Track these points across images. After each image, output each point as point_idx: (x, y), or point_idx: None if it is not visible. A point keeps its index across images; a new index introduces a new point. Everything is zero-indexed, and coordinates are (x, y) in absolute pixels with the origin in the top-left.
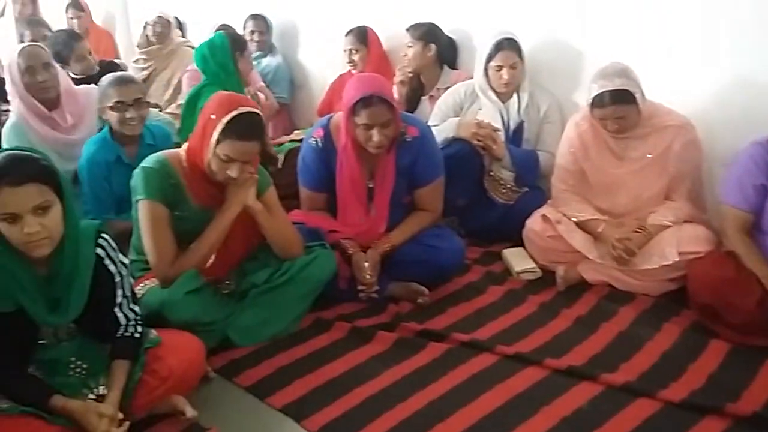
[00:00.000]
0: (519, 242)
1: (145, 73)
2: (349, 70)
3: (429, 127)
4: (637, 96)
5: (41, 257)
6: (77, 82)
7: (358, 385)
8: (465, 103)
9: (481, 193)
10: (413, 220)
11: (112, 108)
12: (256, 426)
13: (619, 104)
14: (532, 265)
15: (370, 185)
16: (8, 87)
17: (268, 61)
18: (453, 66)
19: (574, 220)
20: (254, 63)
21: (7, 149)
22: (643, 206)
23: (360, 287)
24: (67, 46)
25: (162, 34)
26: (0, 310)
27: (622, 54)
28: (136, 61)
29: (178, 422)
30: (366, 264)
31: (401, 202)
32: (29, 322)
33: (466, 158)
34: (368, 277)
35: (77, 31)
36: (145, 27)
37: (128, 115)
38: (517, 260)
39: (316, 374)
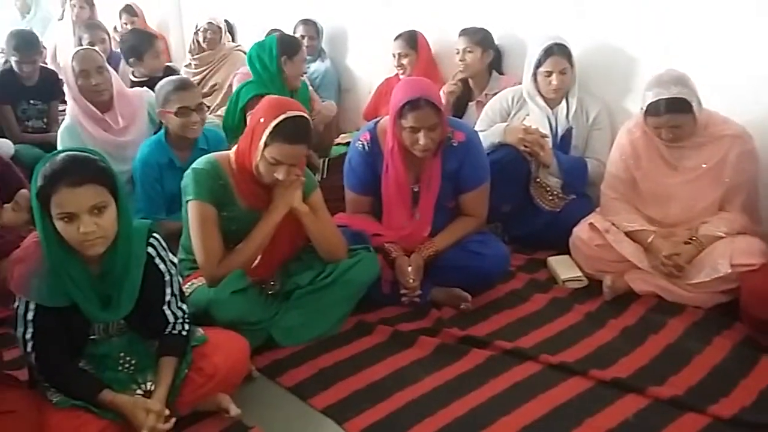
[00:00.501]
0: (565, 250)
1: (197, 78)
2: (396, 74)
3: (476, 132)
4: (694, 105)
5: (95, 255)
6: (140, 84)
7: (400, 389)
8: (512, 109)
9: (526, 200)
10: (457, 225)
11: (176, 113)
12: (299, 426)
13: (674, 113)
14: (579, 273)
15: (415, 189)
16: (65, 88)
17: (317, 66)
18: (500, 71)
19: (623, 229)
20: None
21: (66, 150)
22: (696, 217)
23: (403, 291)
24: (145, 41)
25: (213, 39)
26: (54, 305)
27: (677, 61)
28: (187, 66)
29: (221, 420)
30: (409, 268)
31: (446, 207)
32: (82, 317)
33: (512, 164)
34: (411, 281)
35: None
36: (196, 32)
37: (192, 119)
38: (563, 268)
39: (357, 377)
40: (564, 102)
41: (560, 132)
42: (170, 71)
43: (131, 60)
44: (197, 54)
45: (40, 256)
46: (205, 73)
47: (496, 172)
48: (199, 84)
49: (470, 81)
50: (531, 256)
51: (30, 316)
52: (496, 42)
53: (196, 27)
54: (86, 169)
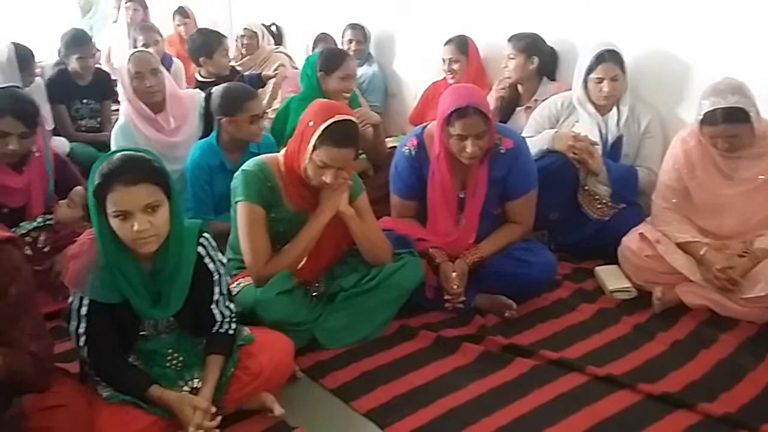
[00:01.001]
0: (613, 260)
1: None
2: (444, 78)
3: (524, 139)
4: (752, 114)
5: (147, 253)
6: (208, 84)
7: (442, 395)
8: (561, 115)
9: (574, 208)
10: (503, 232)
11: (250, 122)
12: (341, 429)
13: (731, 123)
14: (627, 284)
15: (461, 195)
16: (119, 89)
17: (364, 70)
18: (552, 77)
19: (675, 240)
20: None
21: (122, 150)
22: (751, 229)
23: (446, 297)
24: (215, 40)
25: (250, 45)
26: (107, 301)
27: (734, 68)
28: None
29: (265, 419)
30: (453, 274)
31: (492, 214)
32: (133, 314)
33: (560, 171)
34: (455, 287)
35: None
36: (237, 40)
37: (261, 126)
38: (611, 279)
39: (400, 381)
40: (615, 109)
41: (610, 140)
42: (234, 72)
43: (201, 59)
44: (240, 60)
45: (94, 253)
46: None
47: (544, 179)
48: None
49: (519, 86)
50: (578, 265)
51: (83, 311)
52: (551, 46)
53: (237, 36)
54: (141, 168)
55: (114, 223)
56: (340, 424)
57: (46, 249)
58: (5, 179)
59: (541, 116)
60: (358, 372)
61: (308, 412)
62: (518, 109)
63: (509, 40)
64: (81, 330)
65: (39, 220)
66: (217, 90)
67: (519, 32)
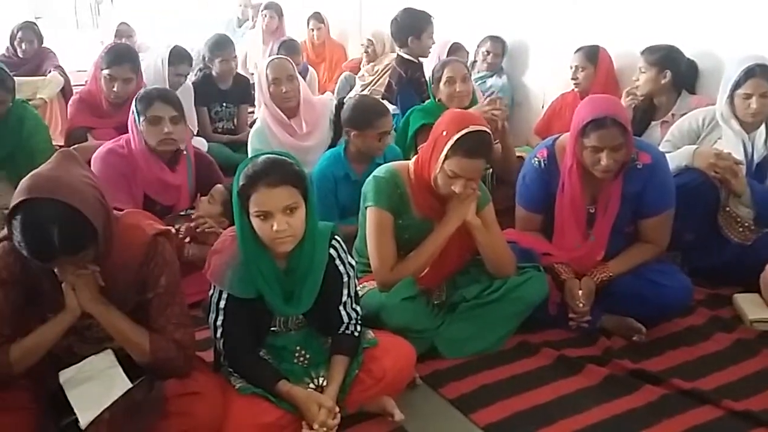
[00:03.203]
0: (753, 288)
1: (368, 90)
2: (572, 90)
3: (664, 155)
4: None
5: (283, 253)
6: (411, 64)
7: (565, 416)
8: (702, 131)
9: (712, 230)
10: (635, 252)
11: (378, 138)
12: None
13: None
14: None
15: (591, 210)
16: (257, 94)
17: (494, 81)
18: (692, 90)
19: None
20: (479, 82)
21: (266, 153)
22: None
23: (571, 315)
24: (426, 20)
25: (372, 53)
26: (244, 295)
27: None
28: (361, 77)
29: (385, 423)
30: (580, 291)
31: (623, 231)
32: (266, 309)
33: (699, 190)
34: (581, 305)
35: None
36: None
37: (387, 142)
38: (752, 308)
39: (521, 398)
40: (763, 127)
41: (756, 159)
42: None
43: (410, 38)
44: (366, 66)
45: (235, 250)
46: (371, 81)
47: (681, 197)
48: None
49: (655, 100)
50: (714, 291)
51: (222, 304)
52: (690, 59)
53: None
54: (283, 171)
55: (255, 222)
56: None
57: (186, 239)
58: (163, 175)
59: (680, 131)
60: (476, 384)
61: (426, 420)
62: (653, 123)
63: (642, 52)
64: (218, 322)
65: (182, 212)
66: (349, 102)
67: (653, 44)
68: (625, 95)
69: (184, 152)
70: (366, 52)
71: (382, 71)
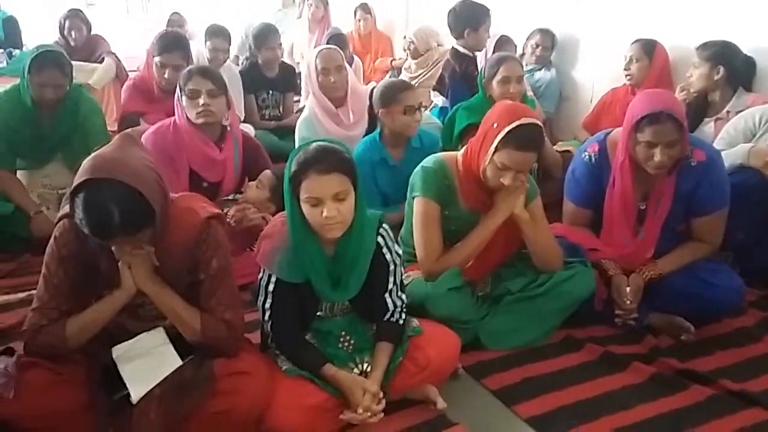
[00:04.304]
0: None
1: (414, 82)
2: (624, 85)
3: (719, 152)
4: None
5: (332, 239)
6: (466, 57)
7: (609, 413)
8: (758, 130)
9: (766, 230)
10: (686, 250)
11: (403, 112)
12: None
13: None
14: None
15: (642, 207)
16: (303, 84)
17: (542, 75)
18: (749, 88)
19: None
20: (527, 75)
21: (318, 140)
22: None
23: (617, 312)
24: (484, 13)
25: (415, 50)
26: (292, 280)
27: None
28: (407, 69)
29: (427, 411)
30: (627, 288)
31: (674, 229)
32: (313, 294)
33: (753, 189)
34: (628, 302)
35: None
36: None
37: (416, 118)
38: None
39: (564, 392)
40: None
41: None
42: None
43: (467, 30)
44: (414, 59)
45: (285, 235)
46: (421, 75)
47: (735, 196)
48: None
49: (708, 96)
50: (765, 293)
51: (271, 287)
52: (747, 55)
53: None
54: (334, 159)
55: (305, 208)
56: (501, 426)
57: (233, 224)
58: (209, 151)
59: (736, 129)
60: (520, 377)
61: (469, 410)
62: (707, 119)
63: (697, 48)
64: (267, 305)
65: (230, 197)
66: (378, 85)
67: (709, 40)
68: (678, 91)
69: (230, 130)
70: (408, 49)
71: (432, 64)
